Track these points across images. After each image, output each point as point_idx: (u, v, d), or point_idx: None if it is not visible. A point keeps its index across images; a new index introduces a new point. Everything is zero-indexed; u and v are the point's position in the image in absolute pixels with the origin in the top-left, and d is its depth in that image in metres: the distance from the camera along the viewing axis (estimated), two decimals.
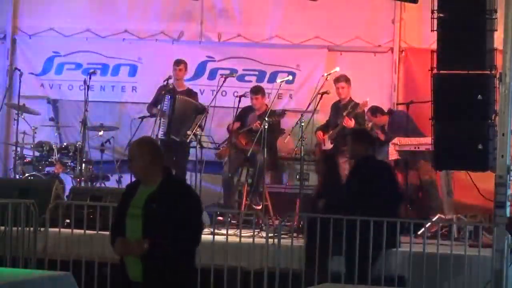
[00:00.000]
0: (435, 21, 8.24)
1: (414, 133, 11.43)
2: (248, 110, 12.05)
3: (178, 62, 12.12)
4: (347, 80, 11.48)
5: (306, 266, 8.75)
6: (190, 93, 12.10)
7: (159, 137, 11.82)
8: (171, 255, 5.82)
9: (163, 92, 11.88)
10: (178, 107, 11.87)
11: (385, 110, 12.13)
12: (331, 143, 11.37)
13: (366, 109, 11.42)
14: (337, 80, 11.48)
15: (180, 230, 5.79)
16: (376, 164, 9.29)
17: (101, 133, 12.45)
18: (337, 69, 11.76)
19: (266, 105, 11.88)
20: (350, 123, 11.18)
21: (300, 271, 8.70)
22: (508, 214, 8.09)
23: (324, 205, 9.23)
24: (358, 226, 8.38)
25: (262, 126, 11.17)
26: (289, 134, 11.65)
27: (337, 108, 11.54)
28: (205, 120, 11.77)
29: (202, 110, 11.80)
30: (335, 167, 9.46)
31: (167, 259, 5.82)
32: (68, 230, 9.36)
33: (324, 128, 11.60)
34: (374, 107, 11.96)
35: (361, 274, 8.39)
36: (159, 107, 11.92)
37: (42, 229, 9.37)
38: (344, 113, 11.27)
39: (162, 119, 11.82)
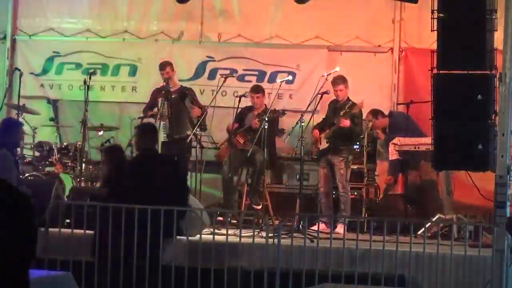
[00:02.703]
0: (435, 21, 8.23)
1: (414, 133, 11.44)
2: (247, 110, 12.05)
3: (162, 66, 11.96)
4: (344, 81, 11.44)
5: (98, 257, 8.89)
6: (183, 90, 12.05)
7: (161, 139, 11.81)
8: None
9: (163, 92, 11.87)
10: (175, 107, 11.86)
11: (385, 112, 12.16)
12: (327, 142, 11.37)
13: (362, 108, 11.36)
14: (334, 82, 11.42)
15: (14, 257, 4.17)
16: (160, 157, 9.63)
17: (101, 133, 12.45)
18: (337, 69, 11.74)
19: (265, 104, 11.88)
20: (346, 123, 11.18)
21: (300, 271, 8.70)
22: (508, 214, 8.09)
23: (107, 194, 9.42)
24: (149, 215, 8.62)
25: (261, 126, 11.18)
26: (289, 134, 11.65)
27: (335, 107, 11.53)
28: (203, 116, 11.77)
29: (185, 94, 11.82)
30: (122, 158, 10.03)
31: None
32: (68, 230, 9.35)
33: (321, 126, 11.59)
34: (375, 110, 11.99)
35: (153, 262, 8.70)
36: (155, 109, 11.91)
37: (42, 229, 9.36)
38: (341, 113, 11.27)
39: (162, 122, 11.82)
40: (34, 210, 4.33)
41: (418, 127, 11.64)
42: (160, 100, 11.83)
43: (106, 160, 10.43)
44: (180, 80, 12.39)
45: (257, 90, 11.96)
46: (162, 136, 11.83)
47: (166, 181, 9.21)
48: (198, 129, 11.60)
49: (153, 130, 9.78)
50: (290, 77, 12.93)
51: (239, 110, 11.94)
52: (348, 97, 11.46)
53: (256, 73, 13.22)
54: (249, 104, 12.06)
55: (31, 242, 4.41)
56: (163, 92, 11.83)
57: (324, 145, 11.40)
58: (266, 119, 11.19)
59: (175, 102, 11.84)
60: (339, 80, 11.43)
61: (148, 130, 9.71)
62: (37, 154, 12.29)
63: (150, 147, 9.50)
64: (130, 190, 9.00)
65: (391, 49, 12.95)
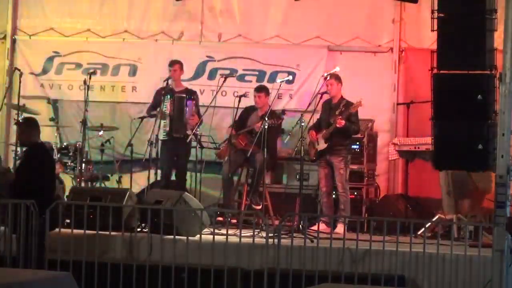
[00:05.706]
0: (435, 21, 8.24)
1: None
2: (250, 110, 12.03)
3: (172, 63, 12.06)
4: (336, 77, 11.43)
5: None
6: (189, 93, 12.08)
7: (160, 138, 11.80)
8: None
9: (163, 92, 11.87)
10: (177, 106, 11.86)
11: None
12: (325, 143, 11.35)
13: (360, 106, 11.32)
14: (326, 78, 11.45)
15: None
16: (47, 151, 9.87)
17: (101, 133, 12.45)
18: (337, 69, 11.74)
19: (269, 105, 11.85)
20: (342, 122, 11.15)
21: (300, 271, 8.70)
22: (508, 214, 8.10)
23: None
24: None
25: (262, 126, 11.18)
26: (289, 134, 11.64)
27: (329, 107, 11.51)
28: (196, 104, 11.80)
29: (190, 98, 11.83)
30: None
31: None
32: (68, 230, 9.36)
33: (316, 127, 11.58)
34: None
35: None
36: (158, 109, 11.90)
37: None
38: (337, 112, 11.25)
39: (162, 120, 11.80)
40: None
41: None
42: (163, 98, 11.80)
43: None
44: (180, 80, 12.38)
45: (258, 89, 11.95)
46: (162, 135, 11.83)
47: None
48: (198, 129, 11.62)
49: (37, 124, 9.84)
50: (290, 77, 12.92)
51: (242, 109, 11.92)
52: (342, 96, 11.44)
53: (256, 73, 13.21)
54: (251, 103, 12.05)
55: None
56: (166, 90, 11.80)
57: (322, 145, 11.39)
58: (267, 119, 11.18)
59: (179, 101, 11.84)
60: (332, 75, 11.42)
61: (34, 124, 9.79)
62: None
63: (40, 141, 9.69)
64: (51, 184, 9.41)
65: (391, 49, 12.94)
